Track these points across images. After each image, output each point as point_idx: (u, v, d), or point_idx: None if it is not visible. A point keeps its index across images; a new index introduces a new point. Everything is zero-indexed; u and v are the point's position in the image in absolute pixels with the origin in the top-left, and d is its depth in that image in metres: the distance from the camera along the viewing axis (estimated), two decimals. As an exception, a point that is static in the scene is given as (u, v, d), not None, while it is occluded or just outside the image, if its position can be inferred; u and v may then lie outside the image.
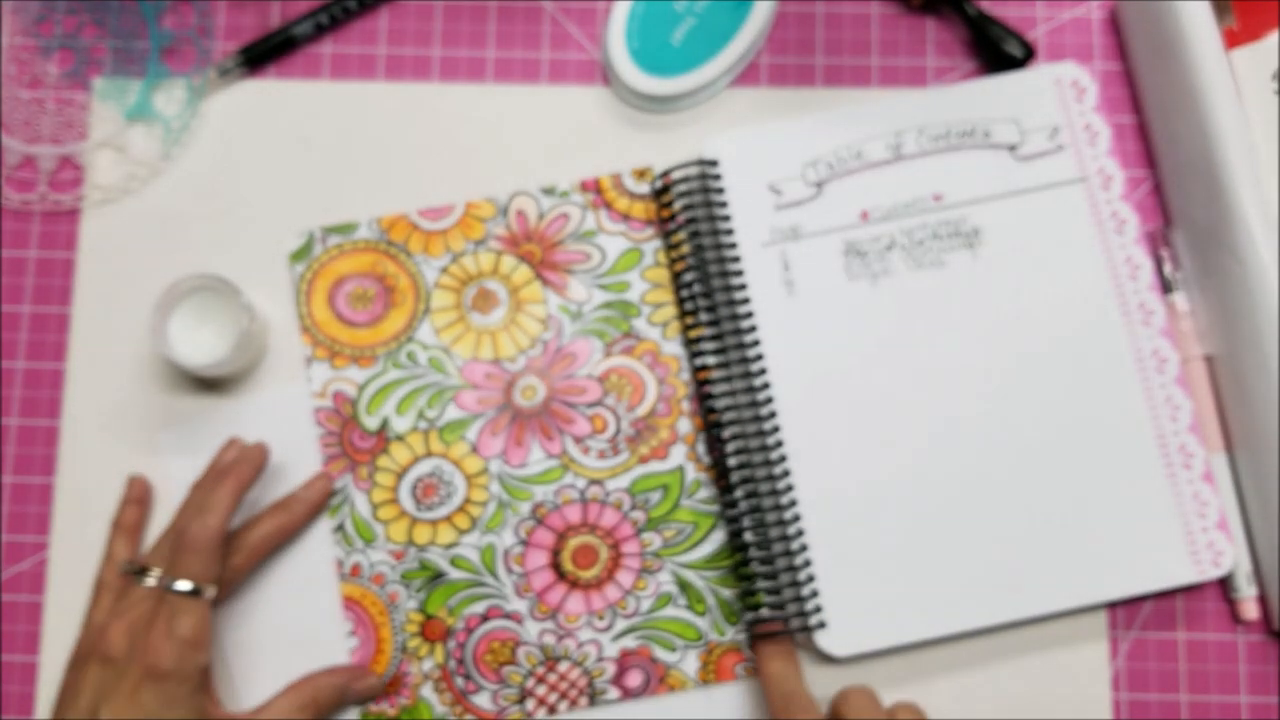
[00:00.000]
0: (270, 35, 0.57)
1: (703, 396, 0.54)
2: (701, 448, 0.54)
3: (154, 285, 0.56)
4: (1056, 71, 0.56)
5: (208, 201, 0.57)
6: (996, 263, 0.55)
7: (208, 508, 0.49)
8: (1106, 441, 0.53)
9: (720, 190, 0.55)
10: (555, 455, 0.54)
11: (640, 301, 0.55)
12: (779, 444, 0.53)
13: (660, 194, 0.56)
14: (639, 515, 0.54)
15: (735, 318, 0.54)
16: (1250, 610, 0.53)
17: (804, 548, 0.52)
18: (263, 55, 0.57)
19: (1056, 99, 0.56)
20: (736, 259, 0.54)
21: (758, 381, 0.53)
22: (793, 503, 0.52)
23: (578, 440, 0.54)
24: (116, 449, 0.55)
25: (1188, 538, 0.52)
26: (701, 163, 0.55)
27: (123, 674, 0.46)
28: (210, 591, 0.48)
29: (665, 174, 0.55)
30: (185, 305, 0.53)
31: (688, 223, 0.55)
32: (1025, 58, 0.57)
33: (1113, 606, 0.54)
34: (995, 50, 0.57)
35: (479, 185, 0.57)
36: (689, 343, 0.54)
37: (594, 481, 0.54)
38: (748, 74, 0.58)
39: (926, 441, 0.53)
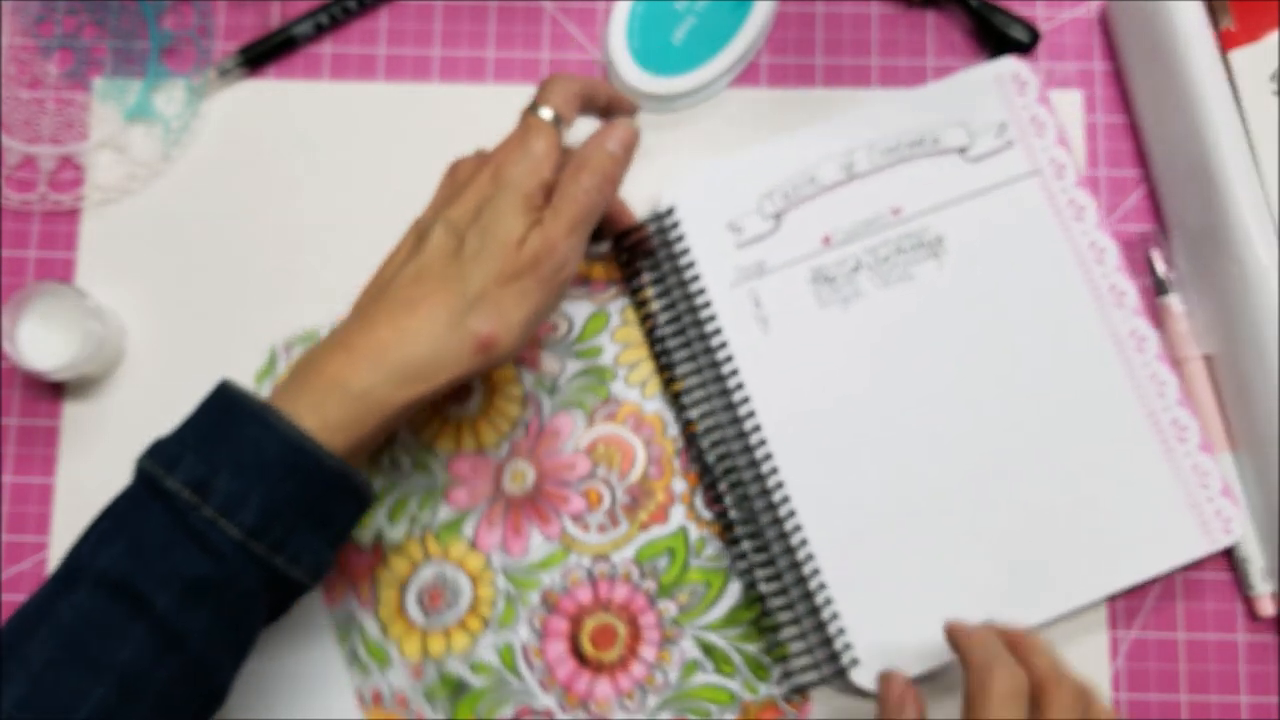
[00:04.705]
0: (270, 35, 0.57)
1: (693, 450, 0.53)
2: (700, 503, 0.54)
3: (154, 285, 0.56)
4: (996, 68, 0.56)
5: (208, 201, 0.57)
6: (963, 268, 0.54)
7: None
8: (1099, 428, 0.53)
9: (680, 238, 0.54)
10: (555, 538, 0.53)
11: (615, 364, 0.55)
12: (779, 485, 0.52)
13: (620, 251, 0.55)
14: (650, 584, 0.53)
15: (715, 365, 0.53)
16: (1268, 607, 0.53)
17: (822, 586, 0.51)
18: (263, 55, 0.57)
19: (999, 96, 0.56)
20: (707, 304, 0.53)
21: (747, 425, 0.52)
22: (804, 542, 0.51)
23: (575, 518, 0.53)
24: (117, 449, 0.55)
25: (1194, 510, 0.52)
26: (657, 215, 0.54)
27: (469, 182, 0.47)
28: (564, 129, 0.48)
29: (623, 233, 0.54)
30: (33, 310, 0.52)
31: (652, 277, 0.54)
32: (1031, 43, 0.57)
33: (1113, 607, 0.54)
34: (1000, 38, 0.57)
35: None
36: (674, 398, 0.54)
37: (599, 558, 0.53)
38: (748, 74, 0.58)
39: (923, 456, 0.53)
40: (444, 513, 0.53)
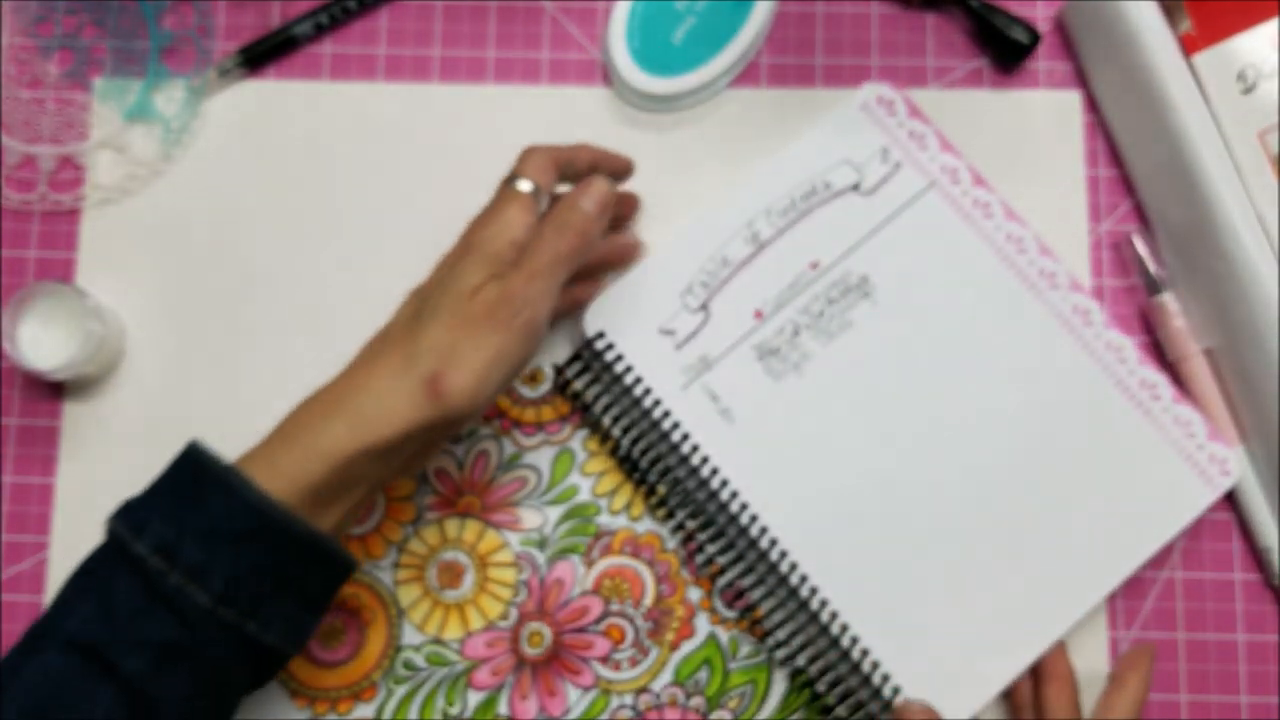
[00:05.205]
0: (270, 35, 0.57)
1: (699, 556, 0.53)
2: (720, 604, 0.53)
3: (154, 285, 0.56)
4: (860, 97, 0.56)
5: (208, 201, 0.57)
6: (896, 299, 0.54)
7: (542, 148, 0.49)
8: (1074, 408, 0.53)
9: (619, 358, 0.53)
10: (591, 686, 0.53)
11: (593, 498, 0.54)
12: (793, 565, 0.51)
13: (563, 389, 0.55)
14: (698, 700, 0.52)
15: (692, 470, 0.53)
16: None
17: (865, 653, 0.51)
18: (263, 55, 0.57)
19: (872, 122, 0.55)
20: (666, 414, 0.53)
21: (744, 519, 0.52)
22: (834, 615, 0.51)
23: (604, 660, 0.53)
24: (117, 449, 0.55)
25: (1189, 461, 0.53)
26: (587, 343, 0.54)
27: (448, 255, 0.47)
28: (544, 201, 0.47)
29: (559, 370, 0.54)
30: (33, 310, 0.52)
31: (604, 403, 0.54)
32: (1031, 44, 0.56)
33: (1113, 606, 0.54)
34: (1001, 39, 0.57)
35: (479, 186, 0.56)
36: (662, 513, 0.53)
37: (640, 691, 0.52)
38: (748, 74, 0.58)
39: (920, 490, 0.52)
40: (473, 699, 0.52)
